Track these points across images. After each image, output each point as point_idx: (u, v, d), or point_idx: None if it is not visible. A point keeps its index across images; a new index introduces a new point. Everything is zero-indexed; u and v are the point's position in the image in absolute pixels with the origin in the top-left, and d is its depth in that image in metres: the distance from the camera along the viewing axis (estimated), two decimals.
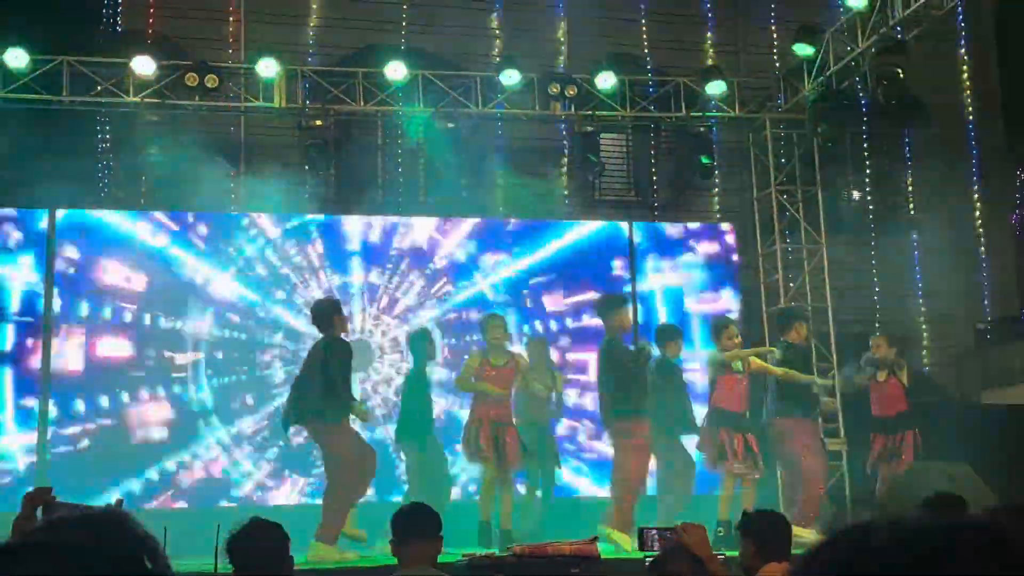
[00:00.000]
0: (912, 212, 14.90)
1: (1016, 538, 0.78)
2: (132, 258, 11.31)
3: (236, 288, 11.49)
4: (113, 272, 11.28)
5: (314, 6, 13.65)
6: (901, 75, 10.96)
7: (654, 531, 4.40)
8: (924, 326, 14.62)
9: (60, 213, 11.30)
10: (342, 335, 9.23)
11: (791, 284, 13.09)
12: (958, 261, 14.40)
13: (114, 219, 11.48)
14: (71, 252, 11.26)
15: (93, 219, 11.42)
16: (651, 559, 3.98)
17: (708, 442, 10.07)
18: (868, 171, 14.86)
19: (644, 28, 14.48)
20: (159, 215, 11.57)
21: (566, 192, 13.95)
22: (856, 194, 15.05)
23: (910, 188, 14.96)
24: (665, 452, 10.14)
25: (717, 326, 10.48)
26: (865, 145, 14.87)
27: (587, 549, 7.96)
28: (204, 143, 12.02)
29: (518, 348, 10.82)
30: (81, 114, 11.94)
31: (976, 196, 15.08)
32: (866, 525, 0.80)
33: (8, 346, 11.07)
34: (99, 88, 11.63)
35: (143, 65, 11.40)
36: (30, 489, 4.15)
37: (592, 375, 10.77)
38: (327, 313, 9.22)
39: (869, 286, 14.45)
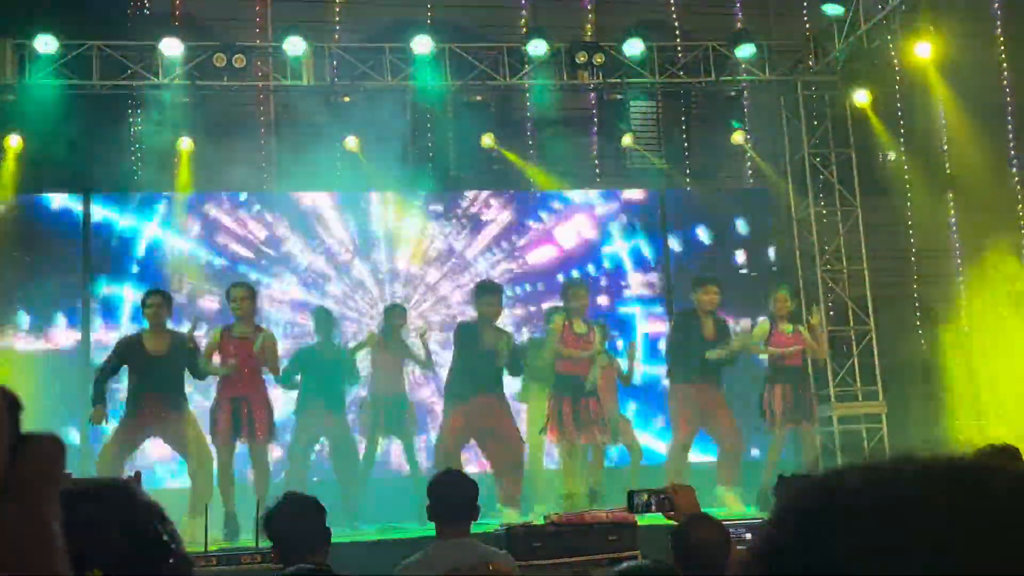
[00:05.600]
0: (948, 171, 14.68)
1: (998, 484, 0.71)
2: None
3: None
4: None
5: None
6: (933, 32, 10.81)
7: (644, 493, 4.22)
8: (962, 287, 14.44)
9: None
10: None
11: (826, 247, 12.98)
12: (996, 219, 14.17)
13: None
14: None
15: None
16: (674, 528, 3.89)
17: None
18: (902, 131, 14.65)
19: None
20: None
21: (596, 161, 13.87)
22: (891, 155, 14.84)
23: (945, 147, 14.73)
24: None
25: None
26: (899, 104, 14.66)
27: (625, 517, 7.95)
28: (234, 123, 12.04)
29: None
30: (112, 98, 12.00)
31: (1012, 154, 14.85)
32: (845, 469, 0.75)
33: None
34: (128, 71, 11.68)
35: (171, 47, 11.42)
36: None
37: None
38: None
39: (907, 247, 14.28)
